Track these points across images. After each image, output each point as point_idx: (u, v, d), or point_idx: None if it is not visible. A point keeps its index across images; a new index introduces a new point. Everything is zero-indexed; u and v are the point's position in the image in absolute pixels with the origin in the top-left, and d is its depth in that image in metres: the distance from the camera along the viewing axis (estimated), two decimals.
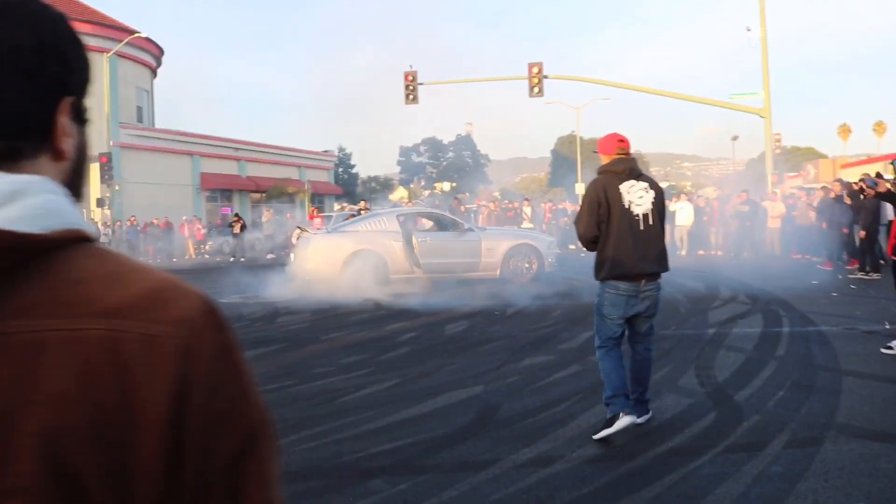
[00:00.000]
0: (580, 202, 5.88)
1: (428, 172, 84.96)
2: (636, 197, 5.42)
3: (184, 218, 36.15)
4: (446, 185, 74.63)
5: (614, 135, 5.66)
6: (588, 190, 5.53)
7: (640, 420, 5.43)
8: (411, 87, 30.25)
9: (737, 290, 13.58)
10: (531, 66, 29.44)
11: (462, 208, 28.63)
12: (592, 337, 9.14)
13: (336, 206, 43.39)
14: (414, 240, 15.29)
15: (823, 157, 65.35)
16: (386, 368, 7.86)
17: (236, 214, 30.56)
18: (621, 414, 5.19)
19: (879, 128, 41.52)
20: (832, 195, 17.51)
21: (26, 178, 0.75)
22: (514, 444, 5.17)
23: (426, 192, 70.21)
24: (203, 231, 35.48)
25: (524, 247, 15.89)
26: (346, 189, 62.57)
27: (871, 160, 39.60)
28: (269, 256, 28.02)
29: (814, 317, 10.06)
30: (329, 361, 8.36)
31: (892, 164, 10.01)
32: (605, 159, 5.58)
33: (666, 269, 5.53)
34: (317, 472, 4.78)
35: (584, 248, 5.69)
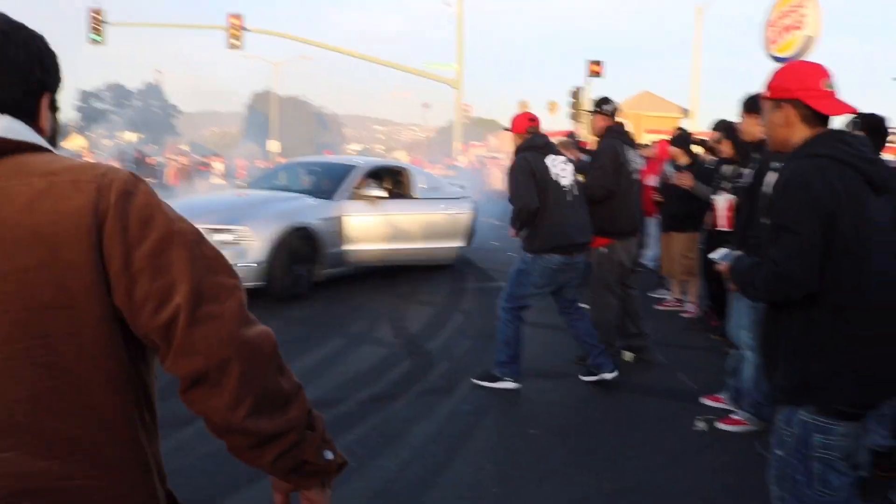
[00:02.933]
0: (508, 180, 5.61)
1: (111, 121, 78.89)
2: (560, 170, 5.51)
3: None
4: (132, 136, 69.91)
5: (525, 113, 5.80)
6: (518, 165, 5.48)
7: (613, 375, 5.53)
8: (96, 26, 27.82)
9: None
10: (231, 16, 28.46)
11: (149, 160, 27.14)
12: None
13: None
14: None
15: (506, 129, 70.57)
16: None
17: None
18: (507, 379, 5.44)
19: (552, 106, 45.74)
20: None
21: (18, 122, 1.24)
22: None
23: (109, 143, 65.23)
24: None
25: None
26: None
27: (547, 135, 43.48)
28: None
29: (494, 273, 10.98)
30: None
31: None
32: (516, 138, 5.68)
33: (592, 238, 5.66)
34: None
35: (521, 225, 5.50)
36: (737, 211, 5.07)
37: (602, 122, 6.18)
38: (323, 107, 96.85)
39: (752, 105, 4.75)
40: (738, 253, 2.79)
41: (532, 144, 5.57)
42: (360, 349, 6.60)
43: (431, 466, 4.12)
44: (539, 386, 5.61)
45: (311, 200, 9.22)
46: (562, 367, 6.06)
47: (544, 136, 5.73)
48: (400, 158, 35.36)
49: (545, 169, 5.44)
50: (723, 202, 5.34)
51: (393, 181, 10.60)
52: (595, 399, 5.37)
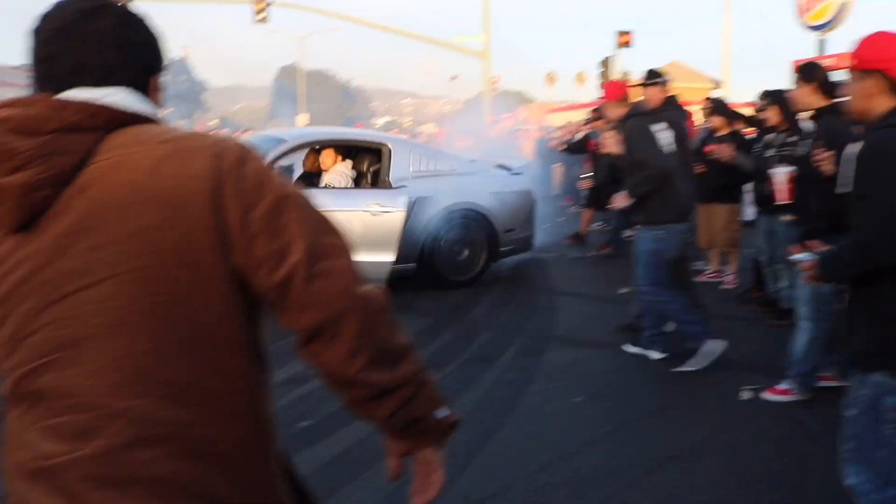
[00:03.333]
0: (628, 146, 5.31)
1: None
2: (663, 136, 5.36)
3: None
4: (160, 112, 70.28)
5: (617, 81, 5.69)
6: (638, 129, 5.28)
7: (662, 356, 5.47)
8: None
9: None
10: None
11: None
12: None
13: None
14: None
15: (533, 100, 70.26)
16: None
17: None
18: (706, 340, 5.27)
19: (580, 78, 45.51)
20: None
21: (136, 96, 1.35)
22: None
23: None
24: None
25: None
26: None
27: (574, 107, 43.20)
28: None
29: None
30: None
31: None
32: (612, 106, 5.54)
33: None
34: None
35: (648, 192, 5.23)
36: (796, 183, 4.99)
37: (660, 93, 6.11)
38: (350, 80, 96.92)
39: (807, 73, 4.64)
40: (822, 248, 2.80)
41: (639, 111, 5.43)
42: (402, 320, 6.64)
43: (480, 433, 4.18)
44: (581, 355, 5.66)
45: None
46: (602, 337, 6.08)
47: (642, 104, 5.57)
48: (428, 131, 35.21)
49: (654, 136, 5.29)
50: (782, 175, 5.25)
51: (371, 160, 8.06)
52: (638, 368, 5.40)
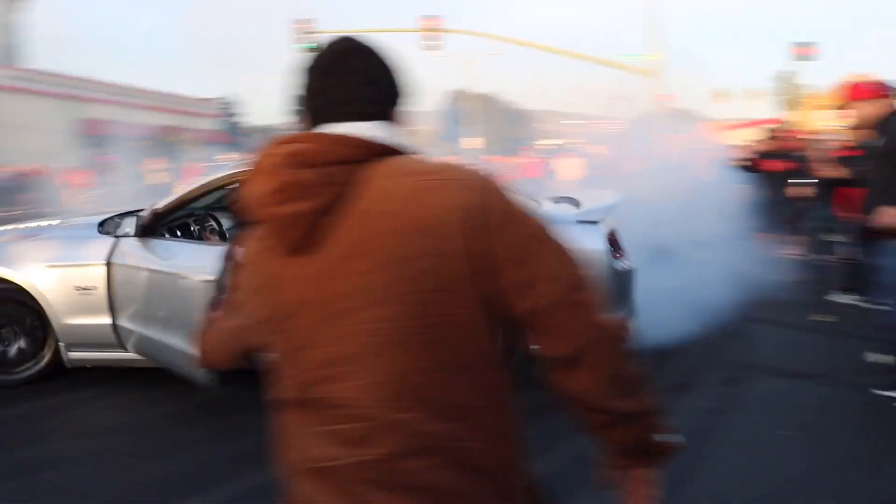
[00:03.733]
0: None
1: None
2: None
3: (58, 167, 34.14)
4: None
5: (867, 80, 5.23)
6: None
7: None
8: (307, 37, 29.51)
9: None
10: (426, 18, 29.23)
11: None
12: None
13: (220, 157, 42.13)
14: None
15: (703, 118, 67.60)
16: None
17: None
18: None
19: (751, 94, 43.62)
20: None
21: (391, 129, 1.46)
22: None
23: None
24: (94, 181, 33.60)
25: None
26: (232, 139, 60.76)
27: (748, 124, 41.43)
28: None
29: None
30: None
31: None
32: (865, 105, 5.02)
33: None
34: None
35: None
36: None
37: None
38: (516, 102, 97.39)
39: None
40: None
41: None
42: None
43: (688, 462, 4.09)
44: (785, 385, 5.47)
45: (79, 233, 5.87)
46: (804, 366, 5.86)
47: None
48: (595, 153, 34.80)
49: None
50: None
51: None
52: (844, 402, 5.13)
